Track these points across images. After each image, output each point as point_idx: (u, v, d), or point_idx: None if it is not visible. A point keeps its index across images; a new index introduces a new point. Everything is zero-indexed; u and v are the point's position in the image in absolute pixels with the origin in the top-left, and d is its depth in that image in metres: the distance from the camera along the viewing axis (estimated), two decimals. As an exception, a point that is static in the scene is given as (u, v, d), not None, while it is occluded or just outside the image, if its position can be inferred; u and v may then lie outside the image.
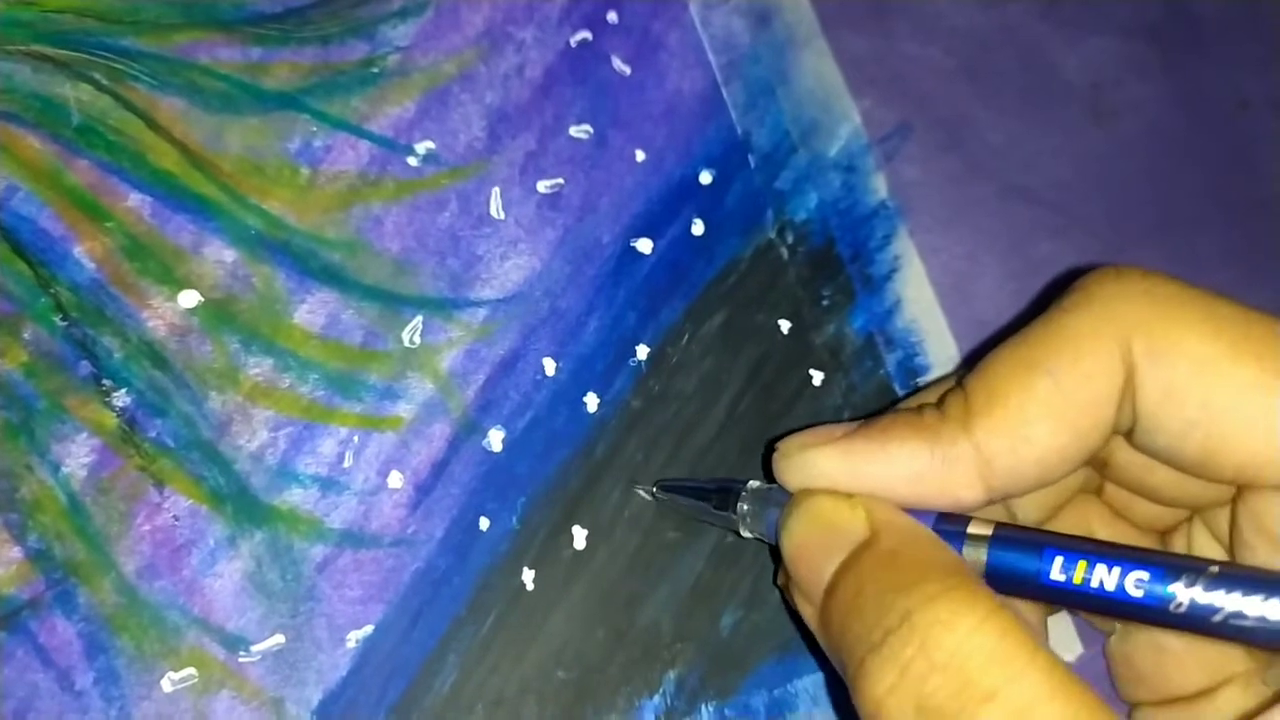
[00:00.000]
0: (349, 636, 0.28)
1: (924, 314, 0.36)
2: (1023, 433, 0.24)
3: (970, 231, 0.37)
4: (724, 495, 0.28)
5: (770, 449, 0.27)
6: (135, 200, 0.29)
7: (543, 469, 0.30)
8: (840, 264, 0.35)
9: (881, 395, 0.34)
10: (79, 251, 0.28)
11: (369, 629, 0.28)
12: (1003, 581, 0.24)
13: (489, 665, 0.29)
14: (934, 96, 0.39)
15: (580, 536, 0.30)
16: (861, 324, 0.35)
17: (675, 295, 0.33)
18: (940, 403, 0.25)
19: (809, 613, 0.25)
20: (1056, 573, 0.23)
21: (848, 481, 0.25)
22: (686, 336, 0.33)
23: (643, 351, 0.32)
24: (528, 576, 0.29)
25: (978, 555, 0.24)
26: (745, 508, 0.28)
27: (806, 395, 0.34)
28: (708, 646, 0.30)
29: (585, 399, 0.31)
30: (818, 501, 0.25)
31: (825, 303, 0.35)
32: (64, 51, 0.29)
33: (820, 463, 0.26)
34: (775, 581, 0.31)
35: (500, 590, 0.29)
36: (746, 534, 0.28)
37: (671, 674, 0.30)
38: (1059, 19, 0.42)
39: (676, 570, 0.31)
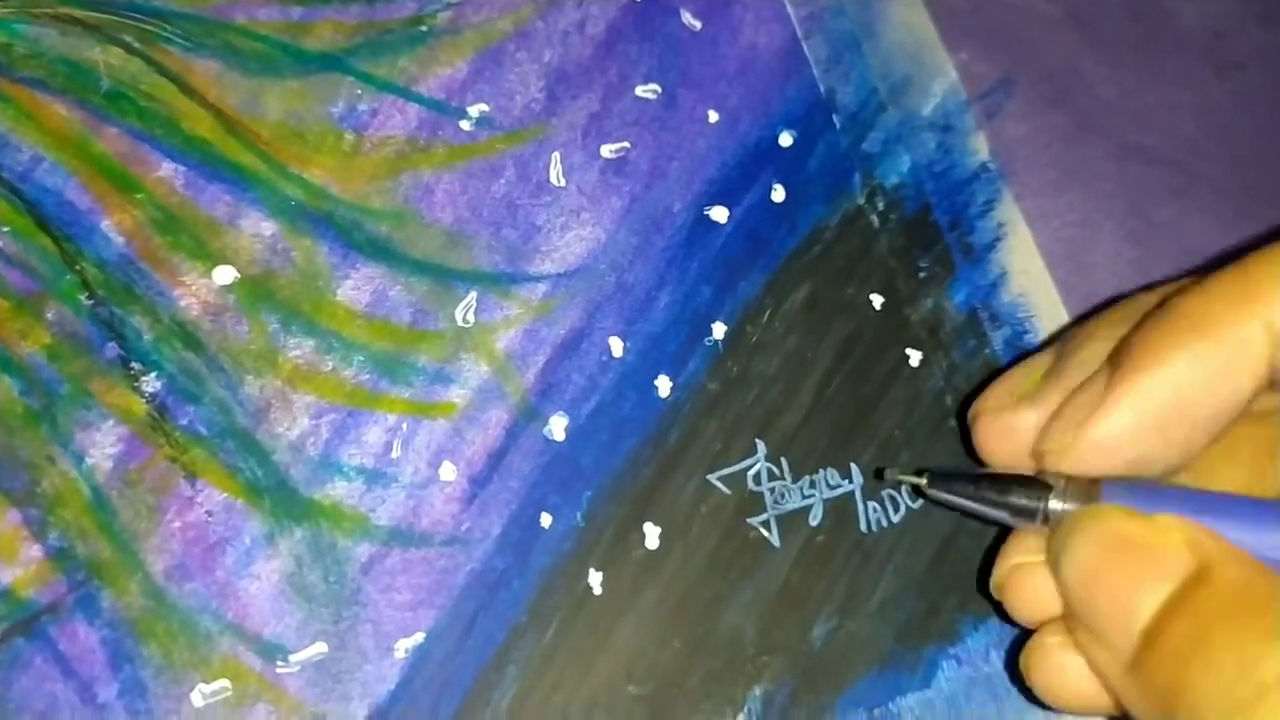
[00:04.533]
0: (397, 646, 0.25)
1: (1033, 286, 0.32)
2: None
3: (1083, 195, 0.34)
4: (1026, 489, 0.24)
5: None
6: (167, 170, 0.27)
7: (610, 460, 0.27)
8: (938, 232, 0.32)
9: (988, 377, 0.31)
10: (107, 225, 0.26)
11: (419, 637, 0.25)
12: None
13: (552, 679, 0.26)
14: (1038, 48, 0.35)
15: (653, 534, 0.27)
16: (963, 298, 0.31)
17: (754, 268, 0.30)
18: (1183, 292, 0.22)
19: (1102, 655, 0.21)
20: None
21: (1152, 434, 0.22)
22: (767, 313, 0.29)
23: (719, 330, 0.29)
24: (594, 579, 0.26)
25: None
26: (1059, 507, 0.23)
27: (903, 377, 0.30)
28: (798, 659, 0.27)
29: (656, 382, 0.28)
30: (1117, 520, 0.21)
31: (922, 275, 0.31)
32: (93, 14, 0.27)
33: (1110, 430, 0.22)
34: (989, 588, 0.26)
35: (564, 594, 0.26)
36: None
37: (757, 689, 0.27)
38: (1173, -36, 0.38)
39: (761, 572, 0.27)
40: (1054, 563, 0.22)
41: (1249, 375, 0.21)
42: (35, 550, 0.24)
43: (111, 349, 0.25)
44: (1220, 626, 0.19)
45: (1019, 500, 0.24)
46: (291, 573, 0.25)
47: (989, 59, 0.34)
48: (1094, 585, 0.21)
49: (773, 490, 0.28)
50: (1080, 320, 0.30)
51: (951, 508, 0.26)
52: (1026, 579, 0.24)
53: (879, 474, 0.29)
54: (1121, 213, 0.34)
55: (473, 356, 0.27)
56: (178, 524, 0.25)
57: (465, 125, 0.29)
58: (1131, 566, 0.21)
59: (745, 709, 0.27)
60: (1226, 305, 0.21)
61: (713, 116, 0.31)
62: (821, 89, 0.32)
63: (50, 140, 0.26)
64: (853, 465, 0.29)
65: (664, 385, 0.28)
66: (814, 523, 0.28)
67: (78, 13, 0.27)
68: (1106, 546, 0.21)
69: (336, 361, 0.26)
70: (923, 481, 0.26)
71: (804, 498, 0.28)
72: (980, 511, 0.25)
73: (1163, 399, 0.22)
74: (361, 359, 0.27)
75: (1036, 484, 0.24)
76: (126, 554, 0.24)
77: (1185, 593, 0.20)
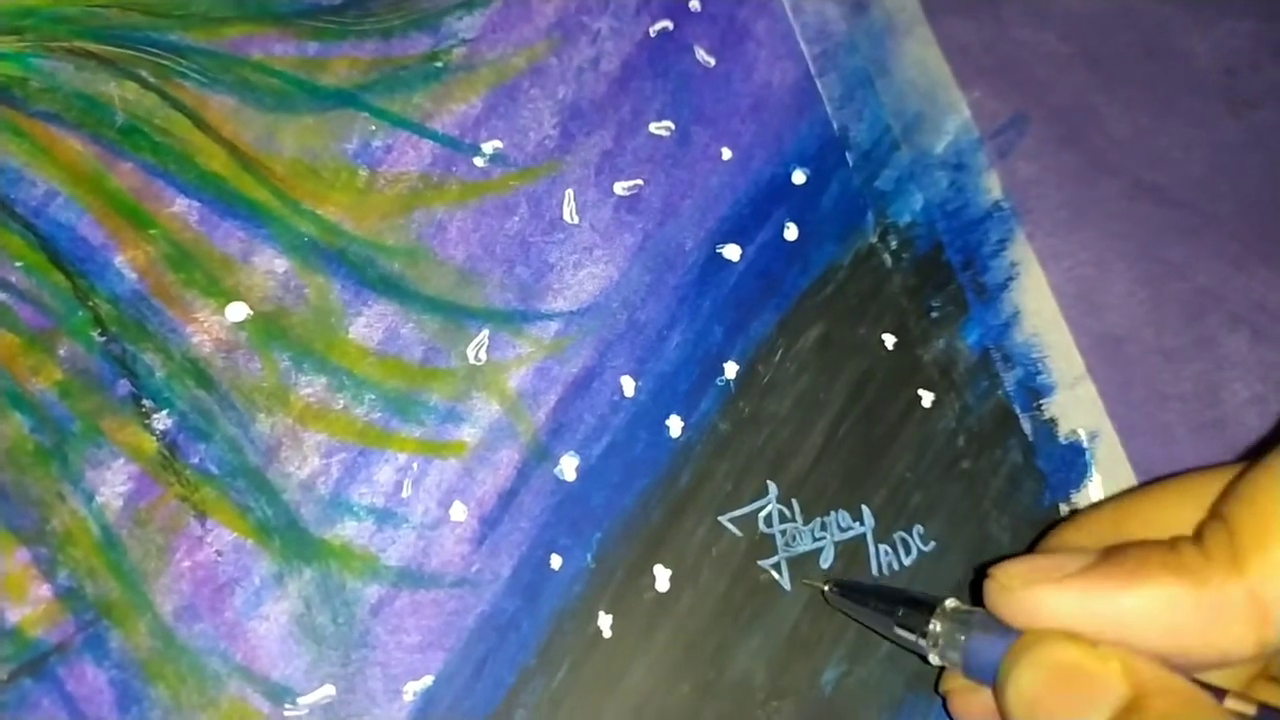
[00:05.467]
0: (406, 688, 0.25)
1: (1046, 327, 0.32)
2: None
3: (1095, 235, 0.34)
4: (913, 610, 0.24)
5: (980, 574, 0.23)
6: (181, 205, 0.27)
7: (621, 500, 0.27)
8: (950, 272, 0.32)
9: (1000, 419, 0.31)
10: (120, 261, 0.26)
11: (428, 680, 0.25)
12: None
13: (561, 722, 0.25)
14: (1051, 86, 0.35)
15: (663, 577, 0.27)
16: (976, 338, 0.31)
17: (766, 307, 0.30)
18: (1198, 536, 0.21)
19: None
20: None
21: (1088, 626, 0.21)
22: (779, 352, 0.29)
23: (731, 369, 0.29)
24: (604, 622, 0.26)
25: None
26: (938, 628, 0.24)
27: (915, 418, 0.30)
28: (808, 705, 0.27)
29: (668, 422, 0.28)
30: (1059, 648, 0.21)
31: (934, 315, 0.31)
32: (109, 47, 0.27)
33: (1053, 601, 0.22)
34: (937, 689, 0.27)
35: (574, 637, 0.26)
36: (935, 660, 0.24)
37: (766, 734, 0.26)
38: (1185, 1, 0.38)
39: (771, 617, 0.27)
40: (1000, 684, 0.22)
41: (1232, 643, 0.21)
42: (44, 589, 0.24)
43: (123, 386, 0.25)
44: None
45: (905, 617, 0.24)
46: (300, 614, 0.25)
47: (1002, 97, 0.34)
48: (1034, 710, 0.21)
49: (784, 532, 0.28)
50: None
51: (854, 618, 0.27)
52: (972, 695, 0.24)
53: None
54: (1133, 253, 0.34)
55: (484, 395, 0.27)
56: (187, 564, 0.24)
57: (479, 162, 0.29)
58: (1068, 692, 0.21)
59: (754, 754, 0.26)
60: (1216, 568, 0.21)
61: (726, 153, 0.31)
62: (835, 126, 0.32)
63: (64, 175, 0.26)
64: (864, 507, 0.29)
65: (675, 425, 0.28)
66: (825, 565, 0.28)
67: (93, 47, 0.27)
68: (1049, 672, 0.21)
69: (348, 400, 0.26)
70: (824, 588, 0.27)
71: (815, 540, 0.28)
72: (875, 626, 0.25)
73: (1131, 614, 0.21)
74: (373, 397, 0.27)
75: (925, 604, 0.24)
76: (135, 594, 0.24)
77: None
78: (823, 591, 0.27)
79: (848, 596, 0.26)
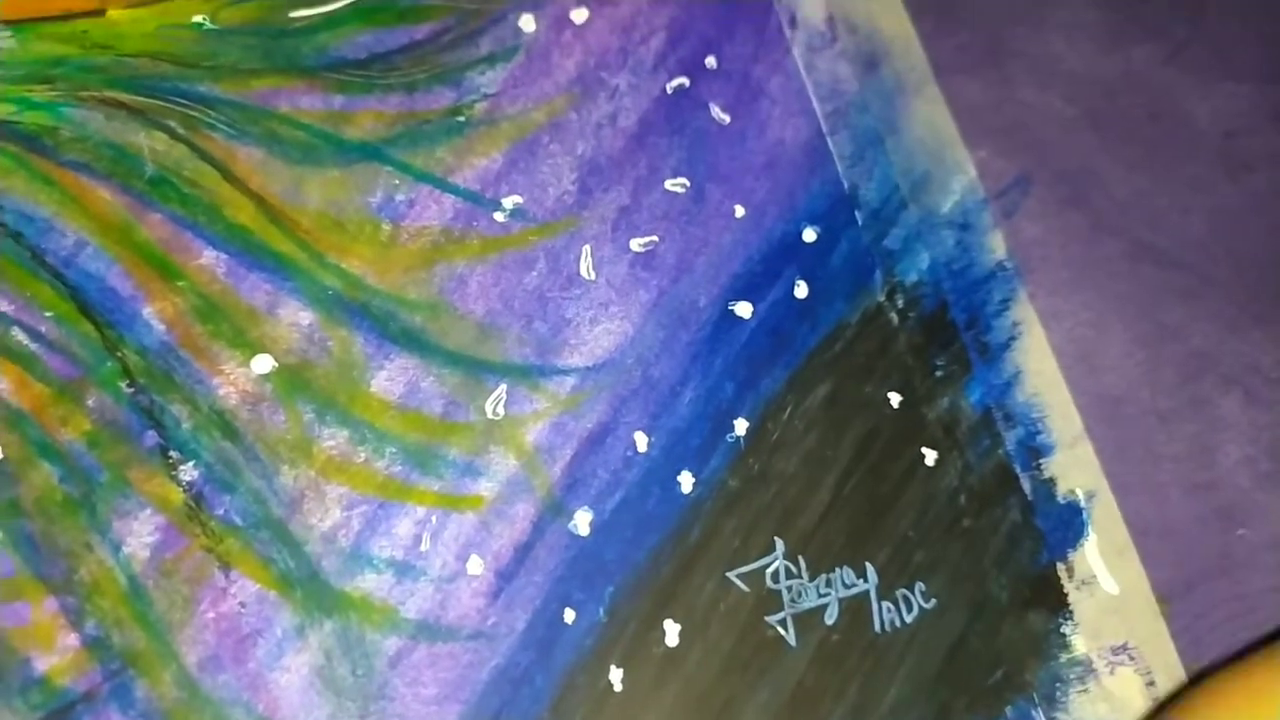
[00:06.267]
0: (422, 739, 0.26)
1: (1047, 387, 0.33)
2: None
3: (1096, 295, 0.34)
4: None
5: None
6: (209, 258, 0.27)
7: (633, 555, 0.28)
8: (955, 331, 0.32)
9: (1000, 477, 0.31)
10: (149, 312, 0.26)
11: (444, 731, 0.26)
12: None
13: (572, 773, 0.26)
14: (1055, 147, 0.36)
15: (673, 632, 0.28)
16: (978, 397, 0.32)
17: (776, 364, 0.31)
18: None
19: None
20: None
21: None
22: (789, 410, 0.30)
23: (741, 426, 0.30)
24: (615, 676, 0.27)
25: None
26: None
27: (919, 476, 0.31)
28: (811, 758, 0.28)
29: (679, 478, 0.29)
30: None
31: (938, 374, 0.32)
32: (139, 98, 0.28)
33: None
34: None
35: (586, 691, 0.27)
36: None
37: (769, 786, 0.27)
38: (1187, 64, 0.39)
39: (777, 672, 0.28)
40: None
41: None
42: (72, 639, 0.24)
43: (151, 437, 0.26)
44: None
45: None
46: (321, 665, 0.25)
47: (1007, 156, 0.35)
48: None
49: (790, 588, 0.29)
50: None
51: None
52: None
53: None
54: (1132, 315, 0.35)
55: (502, 449, 0.28)
56: (212, 615, 0.25)
57: (499, 216, 0.29)
58: None
59: (758, 805, 0.27)
60: None
61: (739, 210, 0.32)
62: (845, 185, 0.33)
63: (94, 225, 0.27)
64: (868, 564, 0.29)
65: (686, 481, 0.29)
66: (829, 622, 0.29)
67: (124, 97, 0.28)
68: None
69: (369, 453, 0.27)
70: None
71: (820, 596, 0.29)
72: None
73: None
74: (394, 450, 0.27)
75: None
76: (161, 644, 0.25)
77: None
78: None
79: None
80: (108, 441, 0.25)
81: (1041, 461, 0.32)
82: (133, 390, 0.26)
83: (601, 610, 0.27)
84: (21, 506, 0.25)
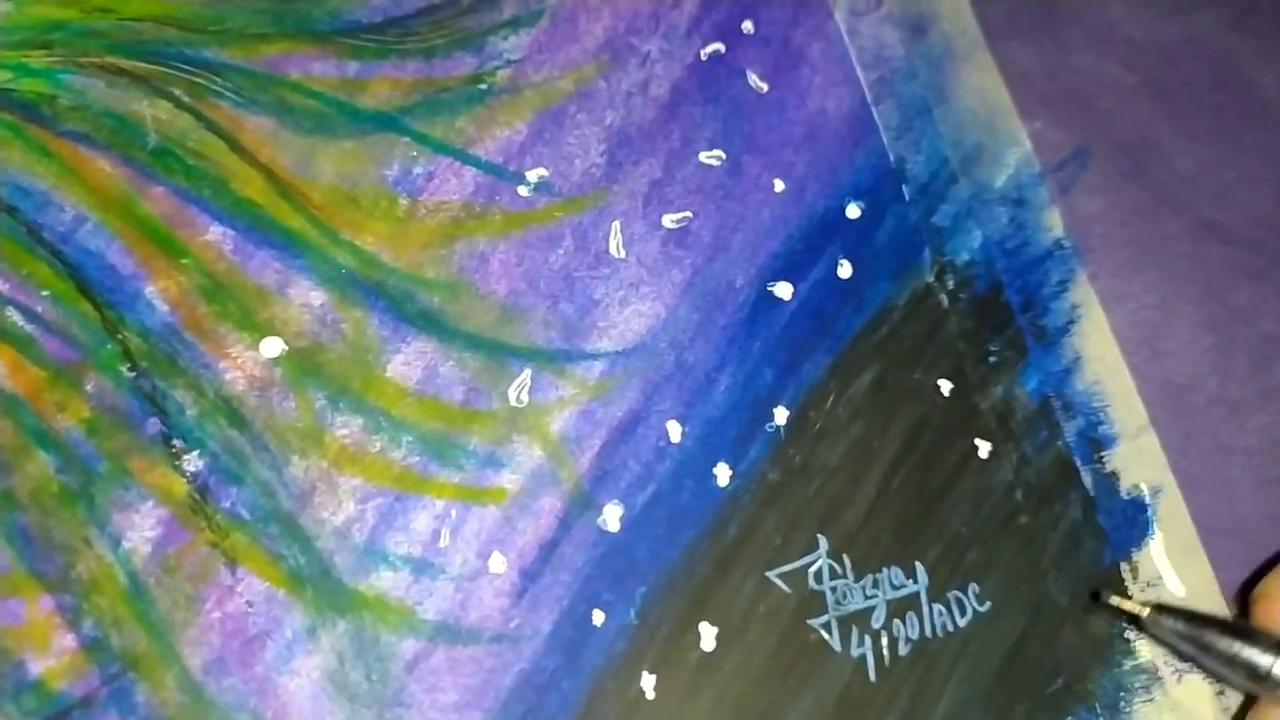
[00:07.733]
0: (441, 749, 0.24)
1: (1109, 374, 0.31)
2: None
3: (1160, 276, 0.32)
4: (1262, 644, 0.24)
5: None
6: (215, 233, 0.25)
7: (666, 553, 0.26)
8: (1009, 314, 0.30)
9: (1059, 471, 0.29)
10: (151, 291, 0.25)
11: (464, 741, 0.24)
12: None
13: (601, 785, 0.24)
14: (1114, 117, 0.34)
15: (709, 635, 0.26)
16: (1035, 385, 0.30)
17: (819, 349, 0.29)
18: None
19: None
20: None
21: None
22: (831, 398, 0.28)
23: (781, 415, 0.28)
24: (648, 682, 0.25)
25: None
26: None
27: (971, 469, 0.29)
28: (856, 771, 0.26)
29: (715, 470, 0.27)
30: None
31: (992, 359, 0.30)
32: (142, 64, 0.26)
33: None
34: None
35: (616, 699, 0.25)
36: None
37: (812, 800, 0.26)
38: (1252, 29, 0.36)
39: (820, 678, 0.26)
40: None
41: None
42: (68, 640, 0.23)
43: (153, 425, 0.24)
44: None
45: (1249, 655, 0.23)
46: (333, 670, 0.24)
47: (1064, 128, 0.33)
48: None
49: (834, 589, 0.27)
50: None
51: (1170, 647, 0.25)
52: None
53: (1094, 596, 0.27)
54: (1198, 296, 0.32)
55: (526, 439, 0.26)
56: (217, 614, 0.23)
57: (523, 191, 0.28)
58: None
59: (799, 821, 0.25)
60: None
61: (778, 185, 0.30)
62: (891, 158, 0.31)
63: (94, 199, 0.25)
64: (918, 564, 0.28)
65: (723, 474, 0.27)
66: (877, 626, 0.27)
67: (125, 63, 0.26)
68: None
69: (385, 442, 0.25)
70: (1144, 613, 0.25)
71: (866, 598, 0.27)
72: (1202, 658, 0.24)
73: None
74: (411, 439, 0.25)
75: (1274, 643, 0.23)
76: (163, 646, 0.23)
77: None
78: (1135, 616, 0.26)
79: (1166, 625, 0.25)
80: (107, 429, 0.24)
81: (1103, 454, 0.30)
82: (134, 374, 0.24)
83: (632, 612, 0.26)
84: (16, 498, 0.23)
